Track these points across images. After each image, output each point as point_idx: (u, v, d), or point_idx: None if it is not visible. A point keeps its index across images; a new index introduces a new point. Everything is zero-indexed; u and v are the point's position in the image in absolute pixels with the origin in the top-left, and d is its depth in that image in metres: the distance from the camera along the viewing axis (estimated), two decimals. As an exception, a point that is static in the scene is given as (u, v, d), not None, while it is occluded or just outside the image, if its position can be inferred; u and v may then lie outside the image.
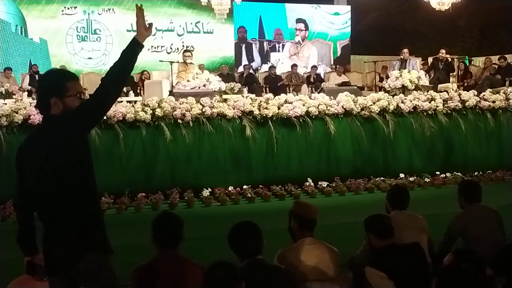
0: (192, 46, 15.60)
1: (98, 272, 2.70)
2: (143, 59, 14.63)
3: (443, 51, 12.67)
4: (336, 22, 17.75)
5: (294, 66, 15.04)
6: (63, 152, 2.65)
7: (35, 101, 7.79)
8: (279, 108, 8.40)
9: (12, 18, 14.49)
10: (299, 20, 17.39)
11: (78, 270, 2.67)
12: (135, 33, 2.80)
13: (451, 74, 12.71)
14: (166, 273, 3.11)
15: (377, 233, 3.67)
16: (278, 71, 15.18)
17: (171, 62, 9.88)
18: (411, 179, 8.75)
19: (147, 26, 2.79)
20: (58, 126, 2.68)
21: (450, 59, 12.73)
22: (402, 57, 11.96)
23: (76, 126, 2.67)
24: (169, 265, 3.13)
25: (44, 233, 2.75)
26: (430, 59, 13.65)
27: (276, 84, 13.75)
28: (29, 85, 12.32)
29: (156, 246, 3.19)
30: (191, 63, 10.56)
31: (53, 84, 2.75)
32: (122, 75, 2.74)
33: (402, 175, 8.81)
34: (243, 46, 16.91)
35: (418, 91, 9.62)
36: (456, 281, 2.53)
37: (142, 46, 2.76)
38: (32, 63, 13.56)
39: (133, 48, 2.74)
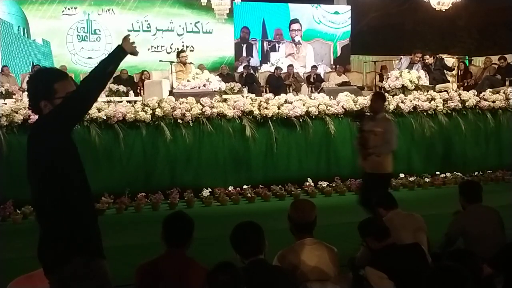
0: (192, 46, 15.61)
1: (88, 274, 2.68)
2: (143, 59, 14.67)
3: (427, 56, 12.18)
4: (336, 21, 17.75)
5: (289, 66, 15.02)
6: (49, 153, 2.64)
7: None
8: (279, 108, 8.40)
9: (15, 19, 14.47)
10: (294, 21, 17.38)
11: (66, 271, 2.65)
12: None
13: (446, 72, 12.49)
14: (170, 272, 3.11)
15: (374, 236, 3.67)
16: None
17: (171, 62, 9.87)
18: (411, 179, 8.76)
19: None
20: (43, 127, 2.68)
21: (426, 60, 12.17)
22: (412, 57, 11.52)
23: (58, 125, 2.65)
24: (174, 265, 3.13)
25: (39, 231, 2.74)
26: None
27: (279, 84, 13.72)
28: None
29: (164, 244, 3.20)
30: (191, 63, 10.55)
31: (42, 87, 2.72)
32: (103, 78, 2.76)
33: (402, 175, 8.81)
34: (244, 46, 16.92)
35: (418, 91, 9.63)
36: (443, 280, 2.53)
37: (126, 54, 2.80)
38: (35, 64, 13.51)
39: (118, 54, 2.77)
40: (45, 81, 2.74)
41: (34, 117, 7.34)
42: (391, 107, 8.93)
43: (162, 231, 3.20)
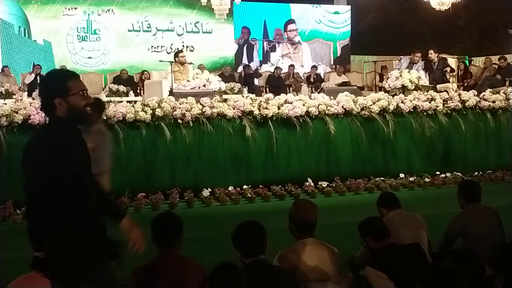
0: (192, 46, 15.63)
1: (97, 272, 2.70)
2: (143, 59, 14.71)
3: (432, 51, 12.26)
4: (336, 21, 17.76)
5: (290, 66, 15.04)
6: (65, 158, 2.65)
7: (35, 101, 7.83)
8: (279, 108, 8.40)
9: (15, 19, 14.48)
10: (290, 21, 17.38)
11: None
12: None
13: (445, 71, 12.48)
14: (166, 273, 3.12)
15: (374, 236, 3.67)
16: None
17: (171, 62, 9.87)
18: (411, 179, 8.75)
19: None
20: (64, 131, 2.72)
21: (430, 55, 12.04)
22: (412, 57, 11.50)
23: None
24: (169, 265, 3.14)
25: (46, 235, 2.72)
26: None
27: (279, 84, 13.71)
28: (32, 85, 12.23)
29: (156, 246, 3.21)
30: (190, 63, 10.55)
31: (55, 85, 2.78)
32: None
33: (402, 175, 8.81)
34: (245, 46, 16.93)
35: (418, 91, 9.62)
36: (439, 281, 2.52)
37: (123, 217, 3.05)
38: (35, 65, 13.47)
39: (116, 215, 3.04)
40: (59, 79, 2.81)
41: (34, 117, 7.37)
42: (391, 107, 8.93)
43: (151, 233, 3.21)
